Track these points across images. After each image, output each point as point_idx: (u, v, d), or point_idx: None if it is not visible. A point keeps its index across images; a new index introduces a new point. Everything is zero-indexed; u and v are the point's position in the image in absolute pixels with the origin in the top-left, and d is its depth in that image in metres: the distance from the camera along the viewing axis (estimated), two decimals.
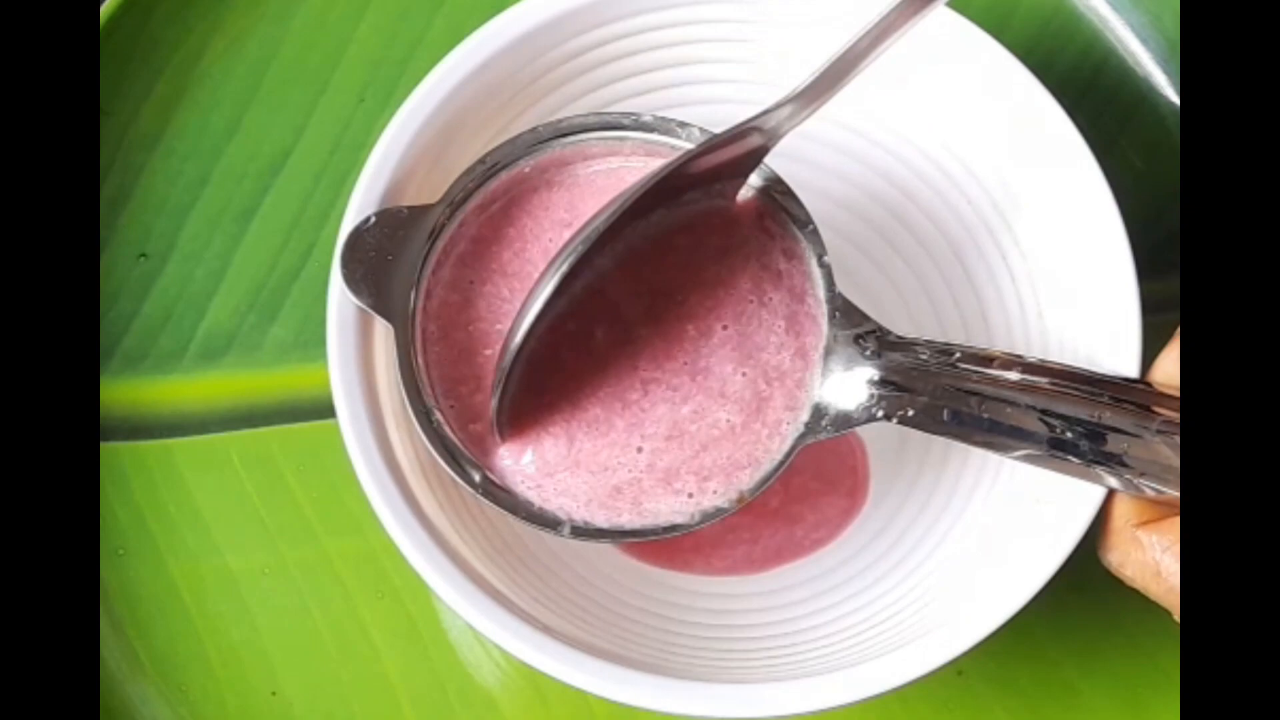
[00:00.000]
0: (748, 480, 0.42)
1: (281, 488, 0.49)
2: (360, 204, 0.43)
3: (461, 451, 0.42)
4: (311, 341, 0.45)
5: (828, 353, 0.42)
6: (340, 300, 0.42)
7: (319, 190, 0.51)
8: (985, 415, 0.41)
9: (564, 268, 0.39)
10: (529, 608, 0.42)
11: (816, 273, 0.43)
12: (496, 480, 0.42)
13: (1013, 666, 0.48)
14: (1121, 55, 0.52)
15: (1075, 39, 0.52)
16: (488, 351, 0.43)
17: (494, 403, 0.41)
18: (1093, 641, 0.48)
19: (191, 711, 0.48)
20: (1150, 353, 0.42)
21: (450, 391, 0.42)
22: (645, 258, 0.42)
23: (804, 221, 0.43)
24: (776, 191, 0.43)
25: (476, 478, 0.42)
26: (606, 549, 0.47)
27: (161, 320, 0.50)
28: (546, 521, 0.42)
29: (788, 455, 0.42)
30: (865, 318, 0.42)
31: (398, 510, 0.41)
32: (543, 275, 0.39)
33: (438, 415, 0.42)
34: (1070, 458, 0.40)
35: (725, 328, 0.42)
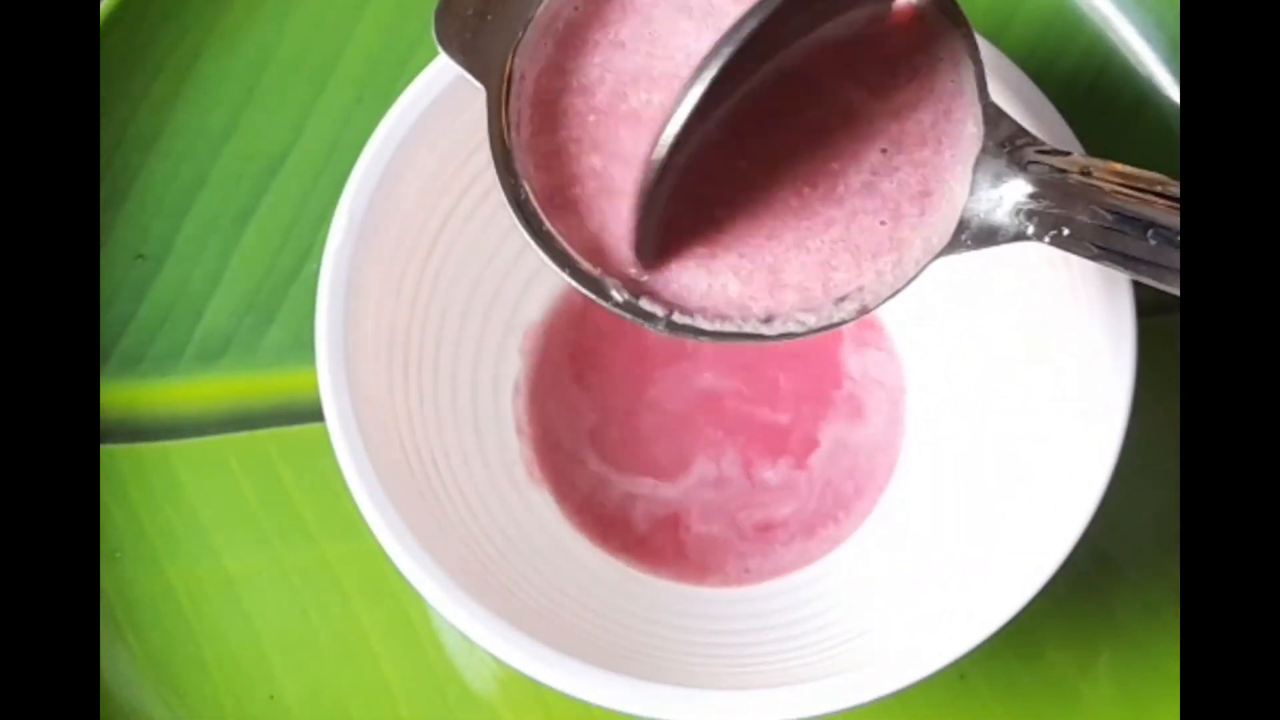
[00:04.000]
0: (877, 296, 0.38)
1: (279, 490, 0.49)
2: None
3: (549, 230, 0.38)
4: (309, 343, 0.44)
5: (977, 163, 0.38)
6: (330, 301, 0.42)
7: (317, 191, 0.51)
8: (1154, 243, 0.36)
9: (714, 71, 0.35)
10: (523, 616, 0.42)
11: (971, 76, 0.39)
12: (587, 268, 0.38)
13: (1013, 667, 0.48)
14: (1124, 55, 0.52)
15: (1078, 39, 0.52)
16: (593, 119, 0.39)
17: (637, 218, 0.37)
18: (1093, 642, 0.48)
19: (189, 715, 0.48)
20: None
21: (545, 164, 0.39)
22: (793, 66, 0.38)
23: (959, 22, 0.39)
24: None
25: (563, 260, 0.38)
26: (605, 559, 0.47)
27: (158, 322, 0.50)
28: (640, 313, 0.38)
29: (922, 269, 0.38)
30: (1017, 125, 0.39)
31: (383, 508, 0.41)
32: (690, 82, 0.35)
33: (526, 188, 0.38)
34: None
35: (884, 150, 0.39)
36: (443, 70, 0.44)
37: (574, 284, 0.38)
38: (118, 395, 0.50)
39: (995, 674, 0.48)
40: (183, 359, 0.50)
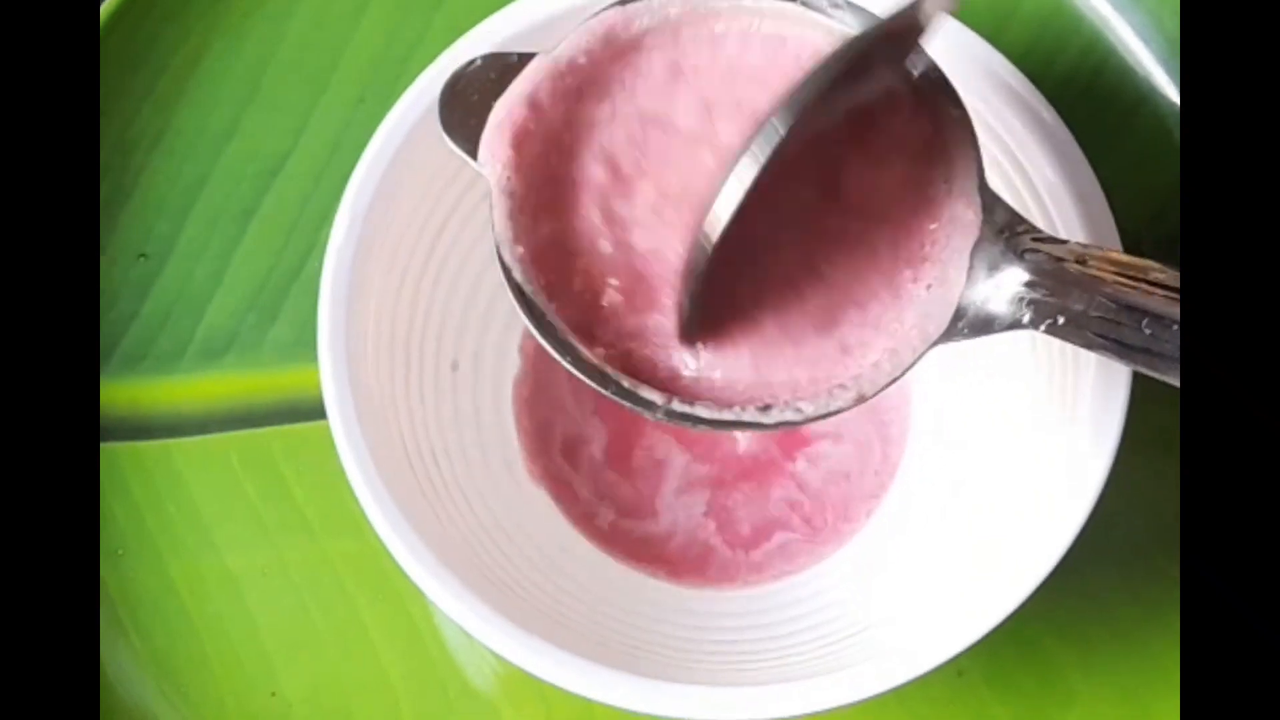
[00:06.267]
0: (874, 384, 0.38)
1: (281, 488, 0.49)
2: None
3: (549, 320, 0.38)
4: (311, 342, 0.45)
5: (974, 250, 0.38)
6: (332, 299, 0.42)
7: (318, 191, 0.51)
8: (1149, 332, 0.36)
9: (762, 157, 0.34)
10: (524, 613, 0.42)
11: (971, 164, 0.39)
12: (588, 356, 0.38)
13: (1013, 666, 0.48)
14: (1122, 55, 0.52)
15: (1076, 39, 0.52)
16: (587, 211, 0.39)
17: (685, 302, 0.37)
18: (1093, 641, 0.48)
19: (192, 712, 0.48)
20: None
21: (543, 252, 0.38)
22: (822, 155, 0.38)
23: (958, 105, 0.39)
24: (931, 78, 0.39)
25: (564, 346, 0.38)
26: (604, 557, 0.48)
27: (161, 321, 0.50)
28: (639, 401, 0.38)
29: (919, 358, 0.38)
30: (1014, 213, 0.38)
31: (385, 506, 0.41)
32: (736, 161, 0.34)
33: (523, 275, 0.38)
34: None
35: (886, 243, 0.39)
36: (444, 70, 0.43)
37: (576, 373, 0.38)
38: (120, 393, 0.50)
39: (993, 671, 0.48)
40: (185, 357, 0.50)
